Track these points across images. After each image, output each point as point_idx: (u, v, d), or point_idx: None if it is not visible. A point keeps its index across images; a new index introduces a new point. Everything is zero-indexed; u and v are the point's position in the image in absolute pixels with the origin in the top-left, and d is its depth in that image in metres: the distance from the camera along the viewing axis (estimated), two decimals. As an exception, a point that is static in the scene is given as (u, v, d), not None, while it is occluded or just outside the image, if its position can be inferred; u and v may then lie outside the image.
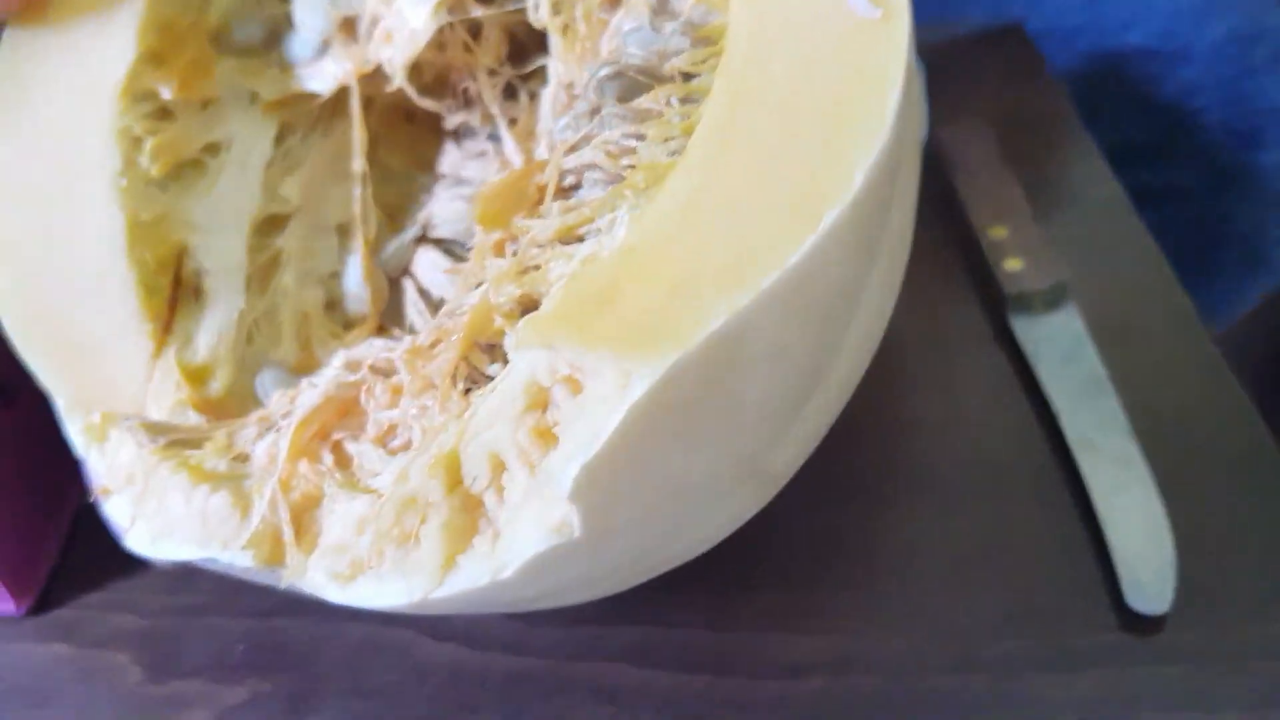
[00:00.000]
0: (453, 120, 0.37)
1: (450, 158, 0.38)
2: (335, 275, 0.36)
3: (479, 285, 0.27)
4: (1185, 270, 0.78)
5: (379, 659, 0.32)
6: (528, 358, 0.22)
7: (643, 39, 0.30)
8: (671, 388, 0.20)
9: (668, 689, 0.30)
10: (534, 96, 0.36)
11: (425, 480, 0.22)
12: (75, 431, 0.28)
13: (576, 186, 0.29)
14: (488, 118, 0.36)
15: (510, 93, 0.36)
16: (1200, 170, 0.72)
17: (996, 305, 0.42)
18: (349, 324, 0.35)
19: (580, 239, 0.26)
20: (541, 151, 0.33)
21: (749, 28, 0.26)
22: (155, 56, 0.32)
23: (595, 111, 0.29)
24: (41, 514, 0.38)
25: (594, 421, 0.21)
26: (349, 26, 0.34)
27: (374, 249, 0.36)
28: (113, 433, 0.28)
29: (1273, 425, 0.35)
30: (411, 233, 0.37)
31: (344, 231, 0.37)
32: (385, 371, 0.27)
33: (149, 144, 0.31)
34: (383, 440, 0.26)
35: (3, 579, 0.35)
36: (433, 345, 0.26)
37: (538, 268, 0.26)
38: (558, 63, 0.33)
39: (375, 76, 0.35)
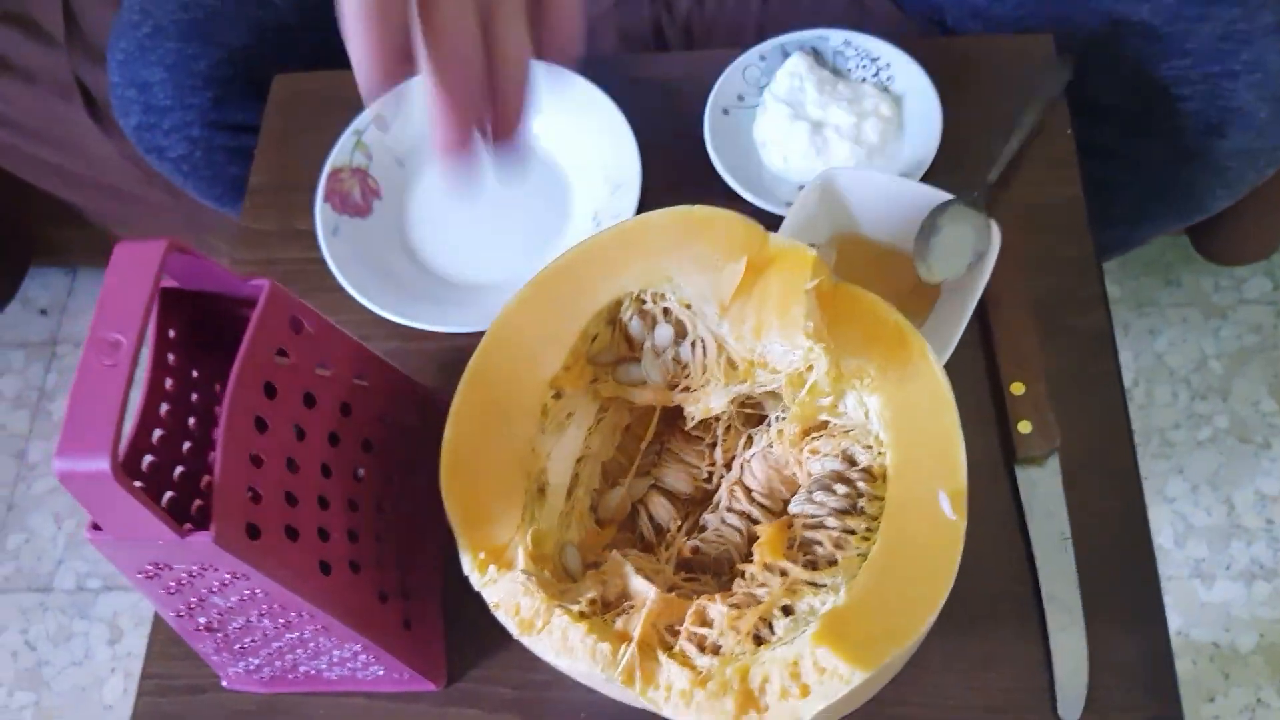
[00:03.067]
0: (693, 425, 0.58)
1: (678, 442, 0.61)
2: (597, 490, 0.59)
3: (761, 586, 0.51)
4: (1133, 216, 0.98)
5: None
6: (799, 647, 0.47)
7: (835, 465, 0.53)
8: (864, 684, 0.47)
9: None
10: (736, 431, 0.59)
11: (734, 677, 0.47)
12: (467, 558, 0.52)
13: (808, 542, 0.52)
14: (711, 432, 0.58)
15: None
16: (1166, 147, 0.88)
17: (1009, 449, 0.66)
18: (600, 523, 0.59)
19: (814, 585, 0.50)
20: (728, 473, 0.59)
21: (898, 497, 0.50)
22: (566, 367, 0.55)
23: (810, 495, 0.53)
24: (436, 617, 0.64)
25: (829, 689, 0.46)
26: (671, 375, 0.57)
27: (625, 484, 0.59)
28: (490, 568, 0.52)
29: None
30: (648, 482, 0.60)
31: (606, 467, 0.60)
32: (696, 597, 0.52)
33: (551, 411, 0.55)
34: (691, 639, 0.50)
35: (427, 673, 0.62)
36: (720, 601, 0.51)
37: (796, 592, 0.50)
38: (769, 438, 0.55)
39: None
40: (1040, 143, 0.77)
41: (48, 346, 1.59)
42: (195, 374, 0.53)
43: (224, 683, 0.63)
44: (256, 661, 0.58)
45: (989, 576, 0.62)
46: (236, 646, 0.56)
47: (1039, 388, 0.66)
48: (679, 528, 0.59)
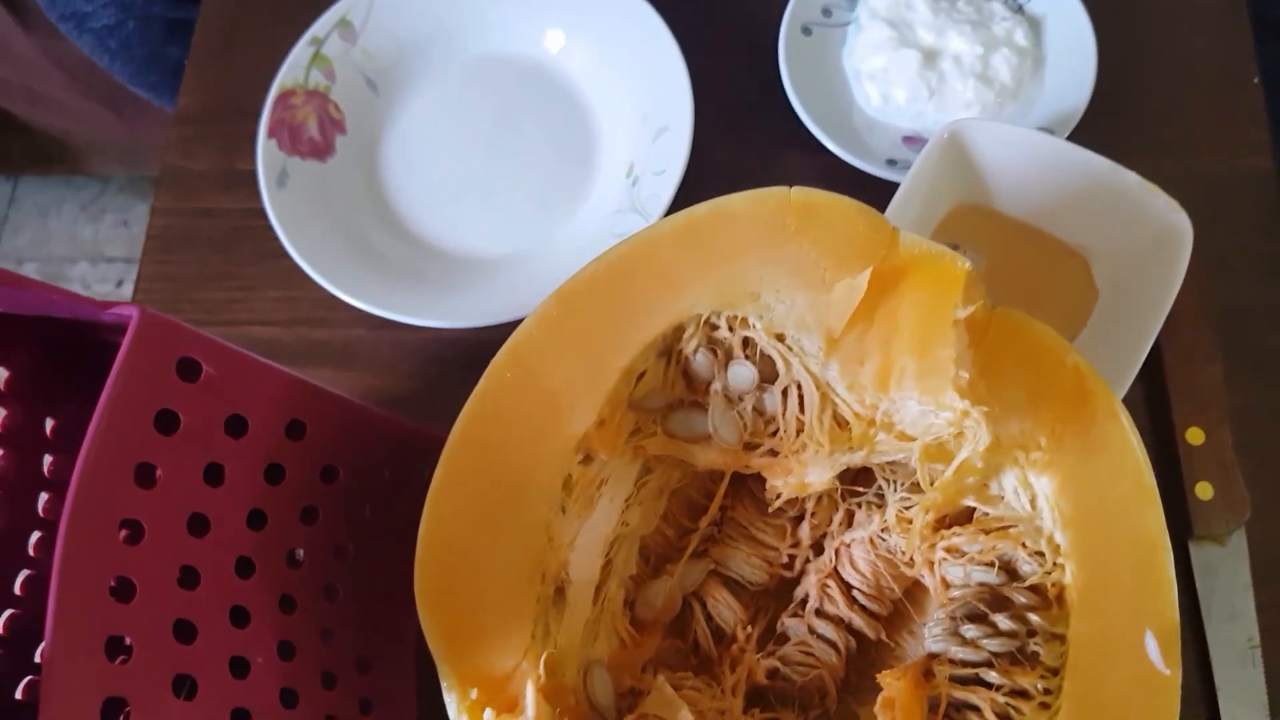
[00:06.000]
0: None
1: (746, 512, 0.44)
2: (634, 577, 0.43)
3: None
4: None
5: None
6: None
7: (987, 578, 0.36)
8: None
9: None
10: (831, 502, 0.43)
11: None
12: (453, 698, 0.36)
13: (959, 707, 0.36)
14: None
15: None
16: None
17: (1179, 517, 0.49)
18: (639, 625, 0.43)
19: None
20: (817, 558, 0.43)
21: (1087, 637, 0.35)
22: (600, 422, 0.38)
23: (956, 624, 0.36)
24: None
25: None
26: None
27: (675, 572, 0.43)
28: (487, 713, 0.36)
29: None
30: (706, 565, 0.43)
31: (646, 544, 0.43)
32: None
33: (577, 483, 0.39)
34: None
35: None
36: None
37: None
38: (883, 521, 0.39)
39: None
40: (1219, 91, 0.58)
41: (-13, 259, 1.41)
42: (50, 425, 0.36)
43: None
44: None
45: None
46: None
47: (1223, 436, 0.50)
48: (748, 635, 0.43)
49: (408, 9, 0.60)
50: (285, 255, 0.55)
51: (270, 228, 0.55)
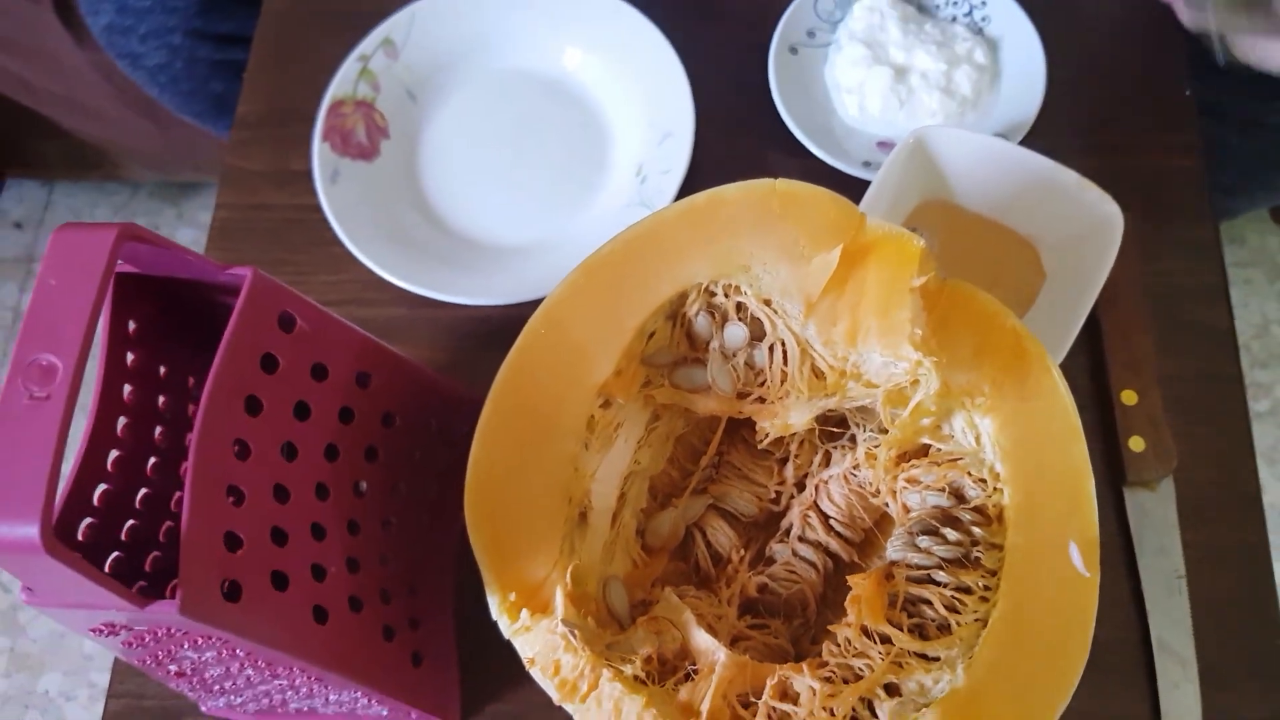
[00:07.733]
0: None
1: (740, 455, 0.51)
2: (644, 510, 0.51)
3: (858, 656, 0.43)
4: (1235, 185, 0.88)
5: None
6: None
7: (940, 501, 0.43)
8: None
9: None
10: (812, 446, 0.51)
11: None
12: (495, 599, 0.44)
13: (914, 601, 0.44)
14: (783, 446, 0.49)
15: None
16: None
17: (1115, 467, 0.56)
18: (649, 550, 0.50)
19: (925, 658, 0.42)
20: (800, 494, 0.51)
21: (1021, 546, 0.43)
22: (618, 372, 0.46)
23: (913, 539, 0.44)
24: (449, 643, 0.55)
25: None
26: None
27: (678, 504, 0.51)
28: (523, 612, 0.44)
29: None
30: (705, 501, 0.51)
31: (655, 483, 0.51)
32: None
33: (599, 423, 0.47)
34: (772, 717, 0.42)
35: (439, 711, 0.53)
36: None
37: (903, 666, 0.42)
38: (855, 459, 0.46)
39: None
40: (1154, 101, 0.66)
41: (23, 264, 1.48)
42: (163, 370, 0.43)
43: (203, 708, 0.55)
44: (240, 700, 0.50)
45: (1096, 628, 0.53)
46: (215, 688, 0.47)
47: (1154, 397, 0.57)
48: (741, 558, 0.50)
49: (444, 29, 0.68)
50: (333, 243, 0.62)
51: (318, 219, 0.63)
